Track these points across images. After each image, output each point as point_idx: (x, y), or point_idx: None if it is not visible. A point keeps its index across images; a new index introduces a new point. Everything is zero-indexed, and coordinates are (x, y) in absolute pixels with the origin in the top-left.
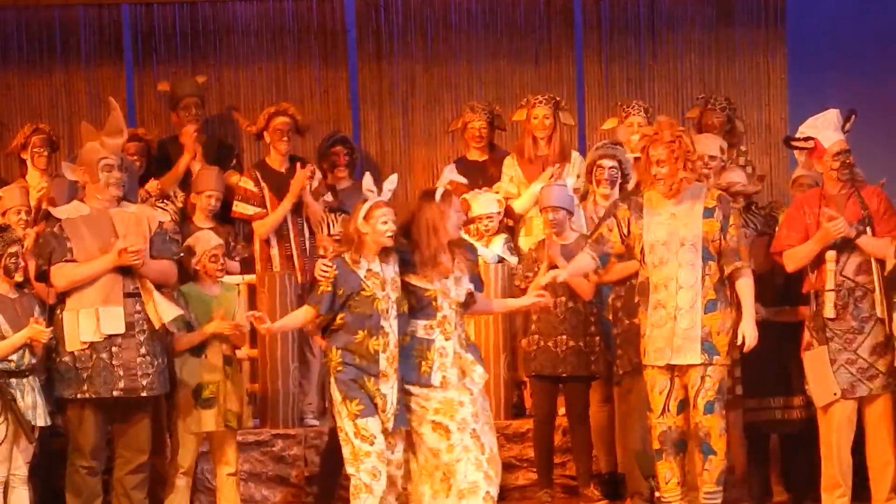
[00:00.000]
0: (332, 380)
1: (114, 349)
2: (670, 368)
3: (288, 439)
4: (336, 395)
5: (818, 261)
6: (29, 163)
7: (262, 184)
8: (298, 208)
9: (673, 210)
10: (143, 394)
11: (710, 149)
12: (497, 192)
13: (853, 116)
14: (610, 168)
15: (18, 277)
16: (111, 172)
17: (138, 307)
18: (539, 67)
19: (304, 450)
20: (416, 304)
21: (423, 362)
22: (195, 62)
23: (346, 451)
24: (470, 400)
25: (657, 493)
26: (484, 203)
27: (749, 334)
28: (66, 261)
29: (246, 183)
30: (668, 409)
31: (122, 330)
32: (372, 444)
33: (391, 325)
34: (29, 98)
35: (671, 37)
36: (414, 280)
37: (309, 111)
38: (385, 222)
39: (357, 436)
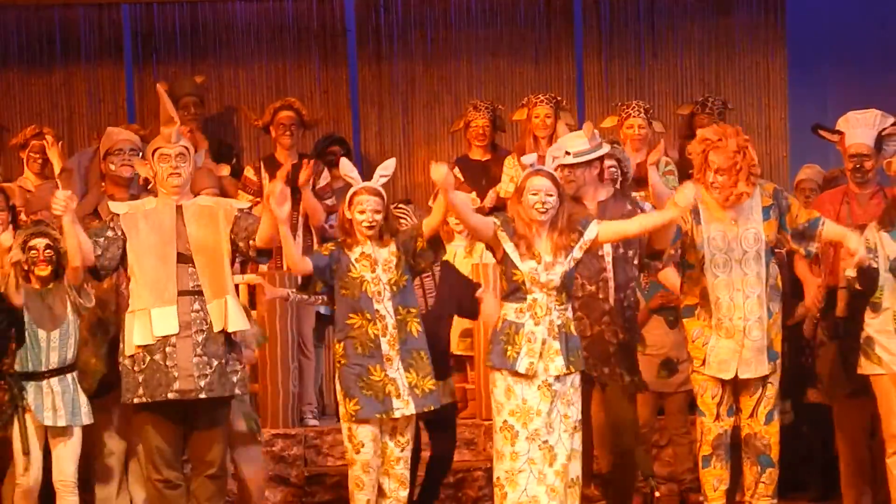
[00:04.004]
0: (338, 373)
1: (168, 349)
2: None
3: (288, 439)
4: (339, 389)
5: (832, 259)
6: (25, 163)
7: (264, 174)
8: (297, 204)
9: (732, 215)
10: (202, 395)
11: None
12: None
13: None
14: (609, 167)
15: (40, 272)
16: (168, 163)
17: (196, 305)
18: (539, 67)
19: (304, 450)
20: (506, 286)
21: (511, 347)
22: (195, 62)
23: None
24: (547, 409)
25: (657, 494)
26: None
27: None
28: (111, 266)
29: (248, 172)
30: (721, 416)
31: (175, 330)
32: (358, 452)
33: (387, 308)
34: (29, 98)
35: (671, 36)
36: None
37: (309, 111)
38: (362, 211)
39: (350, 439)
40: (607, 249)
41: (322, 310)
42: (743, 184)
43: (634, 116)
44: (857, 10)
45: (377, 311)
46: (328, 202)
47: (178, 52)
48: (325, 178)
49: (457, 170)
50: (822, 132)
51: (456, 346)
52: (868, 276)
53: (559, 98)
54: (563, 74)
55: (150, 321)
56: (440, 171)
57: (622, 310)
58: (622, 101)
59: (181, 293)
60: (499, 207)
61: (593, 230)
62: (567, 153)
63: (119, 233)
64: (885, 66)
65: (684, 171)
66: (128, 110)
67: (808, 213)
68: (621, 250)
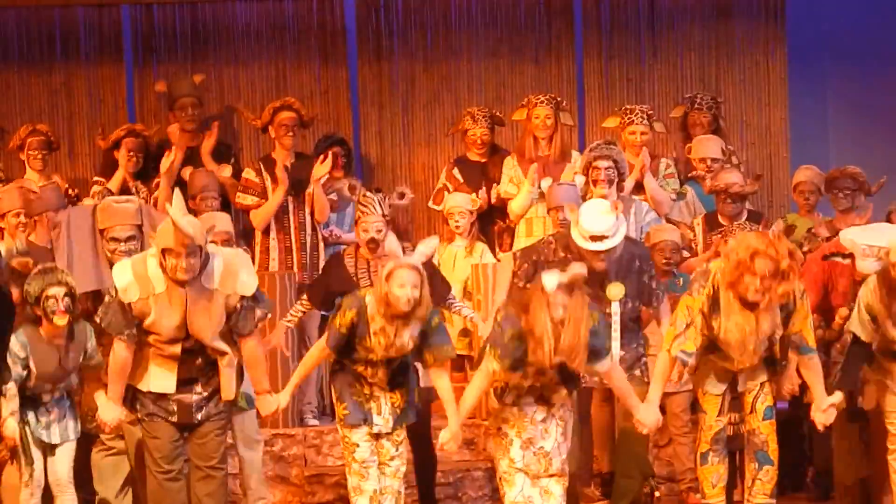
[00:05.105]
0: (331, 376)
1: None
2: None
3: (288, 439)
4: (333, 391)
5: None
6: (26, 164)
7: (265, 175)
8: (302, 201)
9: (751, 314)
10: (199, 418)
11: (713, 151)
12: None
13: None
14: (606, 168)
15: (59, 321)
16: (178, 259)
17: (199, 361)
18: (539, 67)
19: (304, 449)
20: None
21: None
22: (195, 62)
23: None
24: (542, 419)
25: (657, 494)
26: (457, 199)
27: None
28: (128, 335)
29: (248, 174)
30: (724, 410)
31: (171, 390)
32: (353, 451)
33: (384, 362)
34: (29, 98)
35: (671, 36)
36: None
37: (309, 111)
38: (402, 285)
39: (344, 439)
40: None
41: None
42: (787, 283)
43: (637, 123)
44: (856, 11)
45: (376, 363)
46: (330, 197)
47: (178, 52)
48: (324, 177)
49: (456, 171)
50: (835, 250)
51: (455, 346)
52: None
53: (559, 98)
54: (563, 74)
55: (149, 375)
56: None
57: (625, 322)
58: (624, 103)
59: (184, 351)
60: (498, 206)
61: (605, 364)
62: (605, 237)
63: (135, 322)
64: (885, 67)
65: (682, 173)
66: (128, 110)
67: (804, 328)
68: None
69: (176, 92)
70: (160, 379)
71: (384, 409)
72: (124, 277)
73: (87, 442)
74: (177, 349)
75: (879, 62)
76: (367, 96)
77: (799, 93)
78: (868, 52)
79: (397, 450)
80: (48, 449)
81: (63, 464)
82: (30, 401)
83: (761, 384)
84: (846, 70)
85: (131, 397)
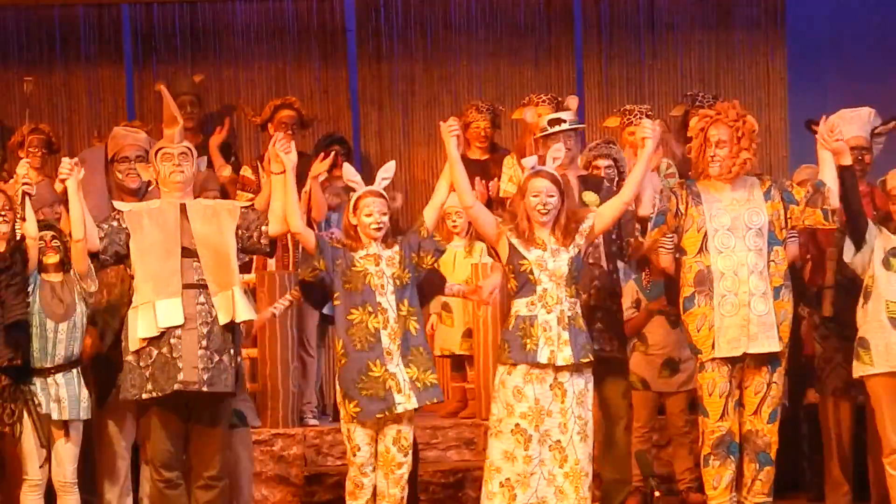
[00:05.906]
0: (338, 373)
1: (173, 341)
2: (731, 366)
3: (288, 439)
4: (339, 390)
5: (821, 258)
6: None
7: (262, 173)
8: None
9: (732, 196)
10: (203, 388)
11: None
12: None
13: (893, 122)
14: (606, 167)
15: (48, 259)
16: (171, 161)
17: (201, 298)
18: (539, 67)
19: (304, 449)
20: (515, 283)
21: (528, 340)
22: (195, 62)
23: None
24: (560, 410)
25: (657, 493)
26: (455, 198)
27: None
28: (115, 253)
29: (245, 171)
30: (727, 413)
31: (179, 321)
32: (354, 454)
33: (389, 301)
34: (29, 98)
35: (671, 37)
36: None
37: (309, 111)
38: (369, 214)
39: (349, 440)
40: None
41: (325, 309)
42: (746, 152)
43: (636, 124)
44: (857, 10)
45: (379, 303)
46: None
47: (178, 52)
48: (322, 175)
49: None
50: (814, 127)
51: (459, 346)
52: (852, 210)
53: (560, 98)
54: (563, 75)
55: (154, 313)
56: (449, 123)
57: (610, 274)
58: (624, 103)
59: (185, 286)
60: (497, 204)
61: (590, 218)
62: (563, 121)
63: (123, 225)
64: (885, 66)
65: (684, 173)
66: (128, 110)
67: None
68: None
69: (175, 90)
70: (167, 311)
71: (403, 384)
72: (121, 203)
73: (88, 440)
74: (176, 261)
75: (879, 62)
76: (367, 96)
77: (799, 93)
78: (868, 53)
79: (405, 456)
80: (53, 434)
81: (69, 459)
82: (36, 375)
83: (768, 386)
84: (846, 70)
85: (131, 379)
